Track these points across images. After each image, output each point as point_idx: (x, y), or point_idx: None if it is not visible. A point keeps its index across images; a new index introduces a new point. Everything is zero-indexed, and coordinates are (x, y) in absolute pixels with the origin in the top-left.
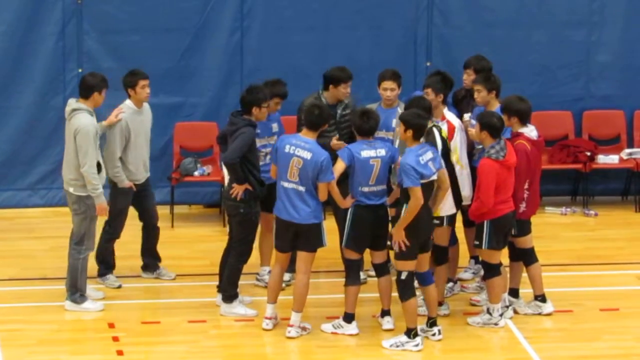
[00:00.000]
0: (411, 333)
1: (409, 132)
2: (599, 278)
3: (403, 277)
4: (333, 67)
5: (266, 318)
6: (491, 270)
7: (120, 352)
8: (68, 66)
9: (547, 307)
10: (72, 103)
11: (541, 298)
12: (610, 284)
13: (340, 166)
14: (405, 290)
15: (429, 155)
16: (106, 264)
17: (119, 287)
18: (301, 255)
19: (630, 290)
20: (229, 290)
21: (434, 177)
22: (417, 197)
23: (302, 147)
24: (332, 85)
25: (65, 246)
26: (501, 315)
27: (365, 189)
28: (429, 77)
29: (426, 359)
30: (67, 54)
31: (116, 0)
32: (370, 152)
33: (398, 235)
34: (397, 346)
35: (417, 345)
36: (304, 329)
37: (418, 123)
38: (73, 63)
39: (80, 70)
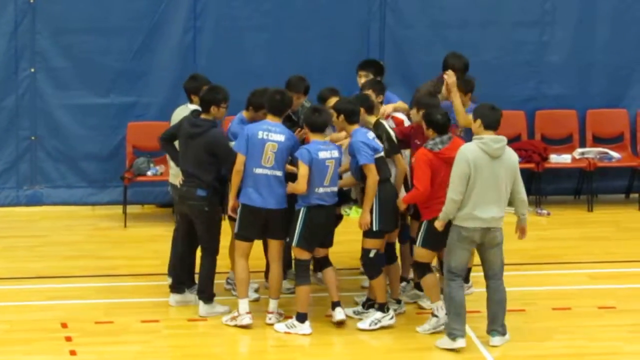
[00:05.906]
0: (384, 308)
1: (341, 117)
2: (552, 277)
3: (371, 255)
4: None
5: (246, 314)
6: (421, 269)
7: (73, 352)
8: (20, 66)
9: None
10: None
11: None
12: (563, 283)
13: (305, 170)
14: (373, 269)
15: (372, 134)
16: None
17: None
18: (274, 244)
19: (582, 290)
20: (207, 291)
21: (383, 153)
22: (374, 173)
23: (274, 132)
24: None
25: (17, 246)
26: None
27: (320, 190)
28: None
29: (378, 359)
30: (20, 53)
31: (69, 0)
32: (326, 154)
33: (364, 217)
34: (375, 324)
35: (392, 318)
36: (280, 314)
37: (347, 108)
38: (25, 63)
39: (32, 70)
